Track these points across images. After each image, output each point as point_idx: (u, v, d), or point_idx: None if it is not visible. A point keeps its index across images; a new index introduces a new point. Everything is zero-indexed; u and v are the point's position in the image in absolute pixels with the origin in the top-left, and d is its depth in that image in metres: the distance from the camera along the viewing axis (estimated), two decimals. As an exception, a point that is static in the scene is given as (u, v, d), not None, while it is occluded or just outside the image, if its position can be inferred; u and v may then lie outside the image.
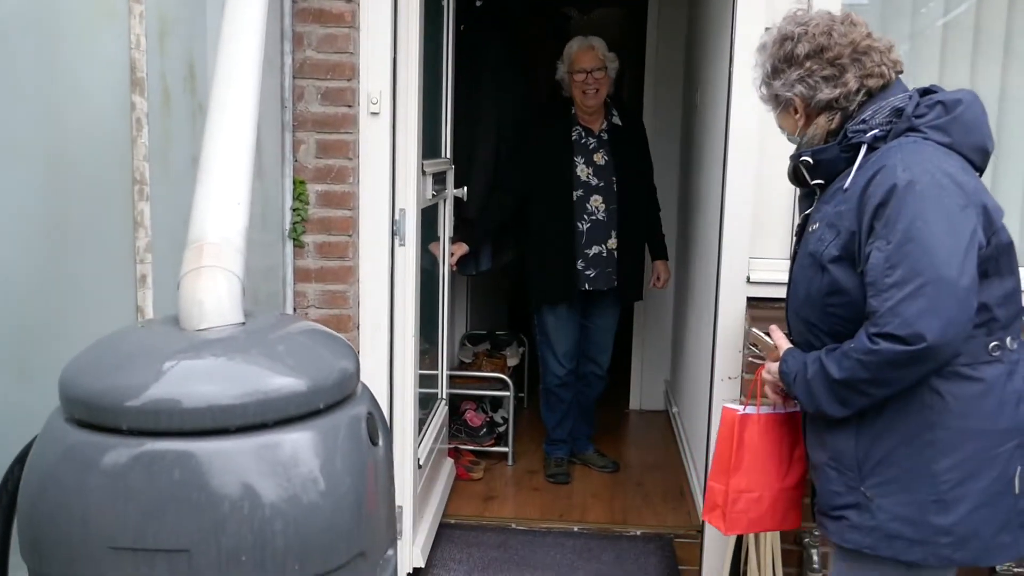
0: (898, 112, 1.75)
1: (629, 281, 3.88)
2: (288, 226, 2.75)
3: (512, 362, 4.67)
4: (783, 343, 1.91)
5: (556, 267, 3.78)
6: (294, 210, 2.75)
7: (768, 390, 1.96)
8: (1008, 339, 1.73)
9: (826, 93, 1.79)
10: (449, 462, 3.89)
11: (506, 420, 4.30)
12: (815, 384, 1.75)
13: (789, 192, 2.66)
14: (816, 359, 1.75)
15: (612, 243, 3.79)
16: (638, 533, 3.44)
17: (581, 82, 3.73)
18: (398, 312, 2.94)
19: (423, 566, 3.08)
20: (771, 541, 2.64)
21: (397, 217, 2.89)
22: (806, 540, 2.66)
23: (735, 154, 2.77)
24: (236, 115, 1.63)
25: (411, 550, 3.04)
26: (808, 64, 1.80)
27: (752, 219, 2.80)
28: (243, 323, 1.47)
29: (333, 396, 1.41)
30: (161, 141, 2.04)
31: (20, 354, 1.65)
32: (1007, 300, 1.73)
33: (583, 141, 3.80)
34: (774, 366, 1.89)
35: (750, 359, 2.63)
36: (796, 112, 1.86)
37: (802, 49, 1.80)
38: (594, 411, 4.21)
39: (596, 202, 3.76)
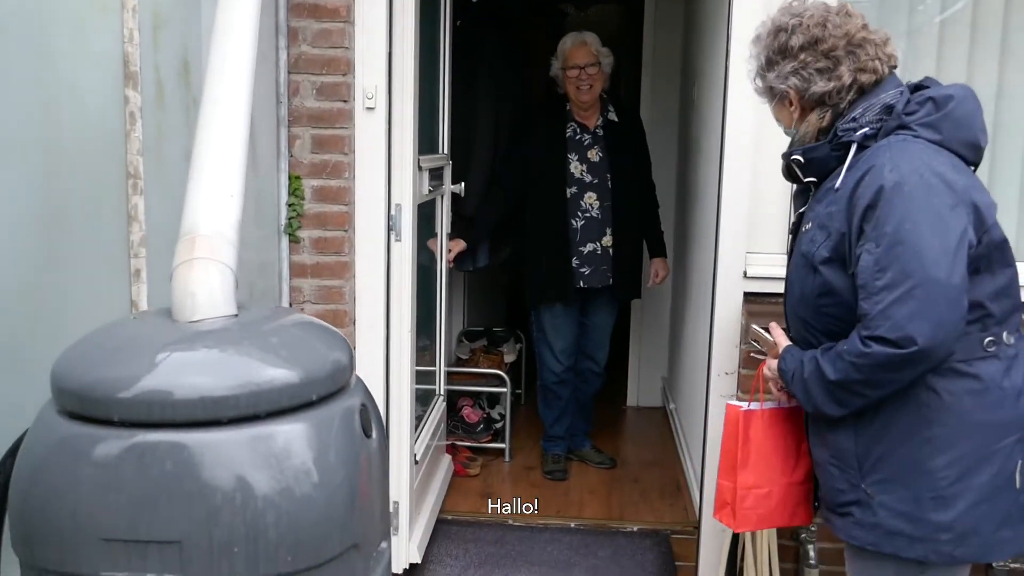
0: (888, 109, 1.74)
1: (626, 278, 3.87)
2: (284, 221, 2.75)
3: (509, 358, 4.66)
4: (782, 340, 1.91)
5: (551, 266, 3.78)
6: (290, 205, 2.75)
7: (771, 386, 1.96)
8: (1004, 334, 1.72)
9: (820, 86, 1.78)
10: (447, 458, 3.89)
11: (503, 416, 4.29)
12: (811, 384, 1.74)
13: (785, 187, 2.66)
14: (812, 358, 1.75)
15: (607, 240, 3.78)
16: (635, 529, 3.44)
17: (575, 78, 3.72)
18: (394, 308, 2.94)
19: (419, 562, 3.08)
20: (768, 537, 2.64)
21: (393, 212, 2.89)
22: (803, 535, 2.66)
23: (731, 149, 2.77)
24: (229, 107, 1.63)
25: (407, 546, 3.04)
26: (802, 56, 1.78)
27: (748, 214, 2.80)
28: (236, 315, 1.47)
29: (326, 388, 1.41)
30: (155, 135, 2.03)
31: (13, 349, 1.65)
32: (1001, 295, 1.72)
33: (577, 137, 3.79)
34: (774, 363, 1.89)
35: (751, 355, 2.63)
36: (791, 104, 1.85)
37: (796, 40, 1.79)
38: (591, 408, 4.21)
39: (590, 199, 3.76)
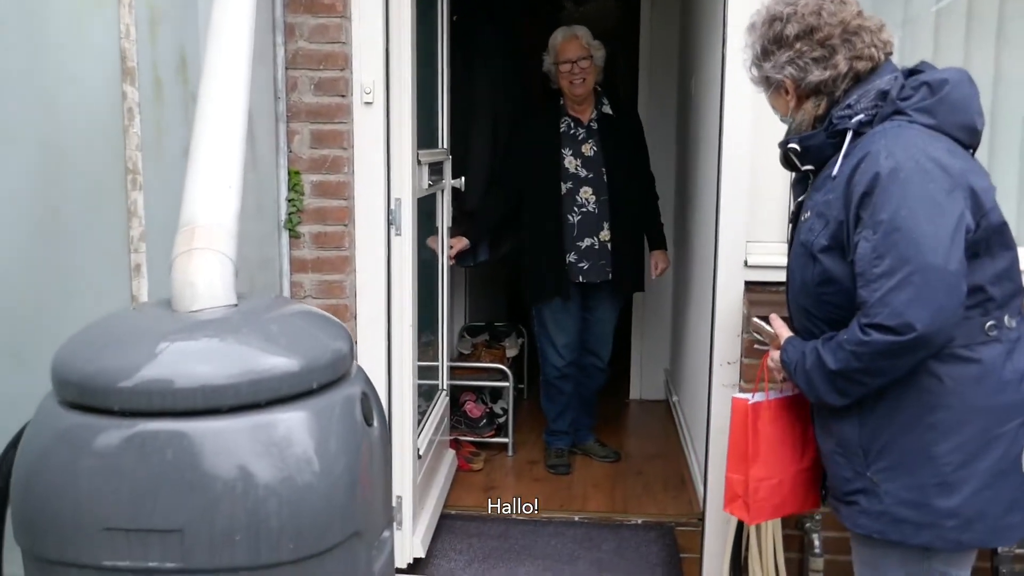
0: (883, 95, 1.73)
1: (627, 273, 3.85)
2: (284, 216, 2.75)
3: (511, 353, 4.67)
4: (783, 331, 1.91)
5: (548, 262, 3.77)
6: (289, 200, 2.75)
7: (776, 375, 1.95)
8: (1006, 318, 1.72)
9: (816, 75, 1.77)
10: (451, 453, 3.89)
11: (506, 411, 4.30)
12: (813, 375, 1.74)
13: (784, 175, 2.64)
14: (813, 349, 1.75)
15: (605, 235, 3.77)
16: (639, 522, 3.44)
17: (567, 72, 3.73)
18: (395, 302, 2.94)
19: (423, 556, 3.08)
20: (772, 527, 2.63)
21: (393, 207, 2.89)
22: (807, 525, 2.65)
23: (730, 139, 2.76)
24: (227, 99, 1.63)
25: (411, 540, 3.04)
26: (798, 46, 1.77)
27: (748, 203, 2.79)
28: (236, 304, 1.47)
29: (327, 376, 1.41)
30: (153, 130, 2.04)
31: (15, 343, 1.65)
32: (1001, 279, 1.72)
33: (572, 132, 3.79)
34: (777, 354, 1.89)
35: (755, 346, 2.63)
36: (787, 93, 1.84)
37: (791, 30, 1.78)
38: (595, 403, 4.20)
39: (586, 194, 3.75)
